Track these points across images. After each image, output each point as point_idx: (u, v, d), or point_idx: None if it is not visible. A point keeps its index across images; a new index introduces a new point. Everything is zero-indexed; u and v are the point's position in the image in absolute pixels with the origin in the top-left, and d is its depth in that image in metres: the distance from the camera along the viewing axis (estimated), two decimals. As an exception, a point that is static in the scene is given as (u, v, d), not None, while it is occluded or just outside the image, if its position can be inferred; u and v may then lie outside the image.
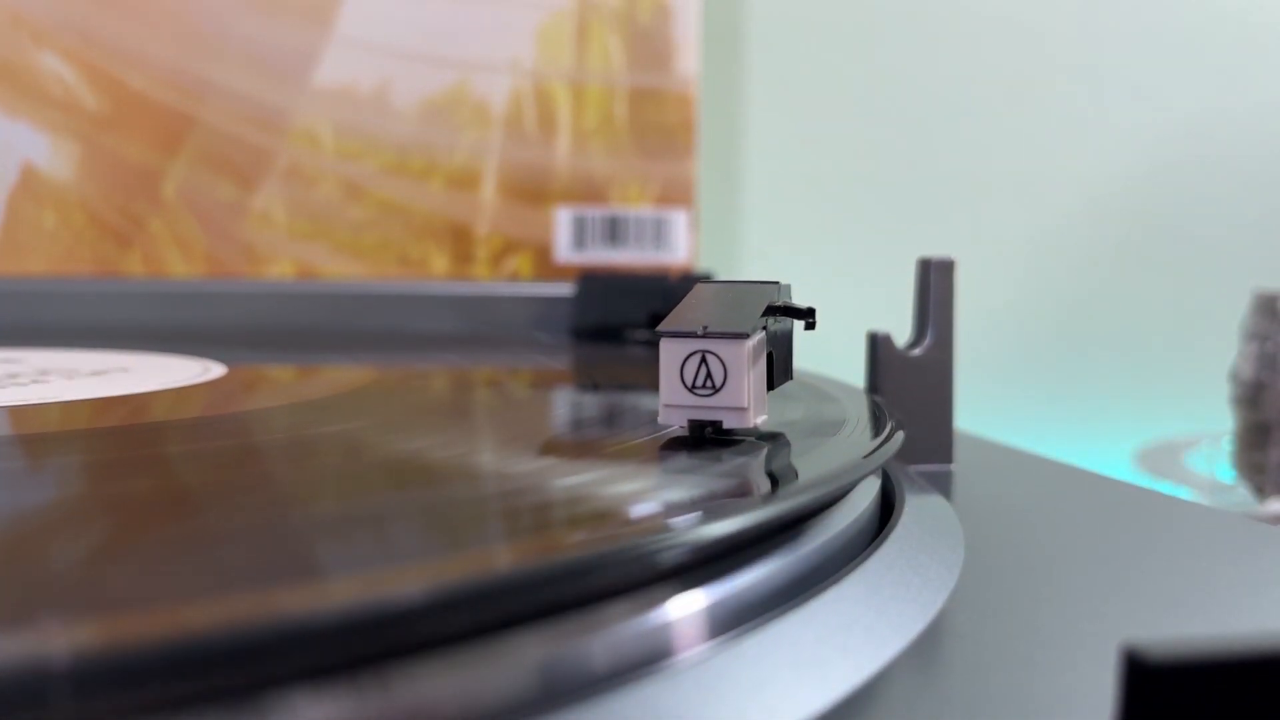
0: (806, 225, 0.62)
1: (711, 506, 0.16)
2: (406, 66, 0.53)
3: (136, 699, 0.09)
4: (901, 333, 0.28)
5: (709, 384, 0.19)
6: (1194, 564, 0.19)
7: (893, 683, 0.14)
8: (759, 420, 0.20)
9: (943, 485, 0.25)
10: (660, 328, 0.20)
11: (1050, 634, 0.15)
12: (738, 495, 0.17)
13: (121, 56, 0.51)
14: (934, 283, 0.27)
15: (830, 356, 0.34)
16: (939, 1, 0.63)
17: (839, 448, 0.20)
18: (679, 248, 0.55)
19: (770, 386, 0.21)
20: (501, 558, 0.13)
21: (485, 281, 0.53)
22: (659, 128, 0.54)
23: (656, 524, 0.15)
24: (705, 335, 0.19)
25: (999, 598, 0.17)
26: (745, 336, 0.19)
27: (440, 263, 0.53)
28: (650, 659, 0.13)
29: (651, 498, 0.17)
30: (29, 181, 0.51)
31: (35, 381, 0.29)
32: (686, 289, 0.21)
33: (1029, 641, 0.15)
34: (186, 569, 0.12)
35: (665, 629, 0.13)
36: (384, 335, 0.49)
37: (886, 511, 0.21)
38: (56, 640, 0.09)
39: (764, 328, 0.20)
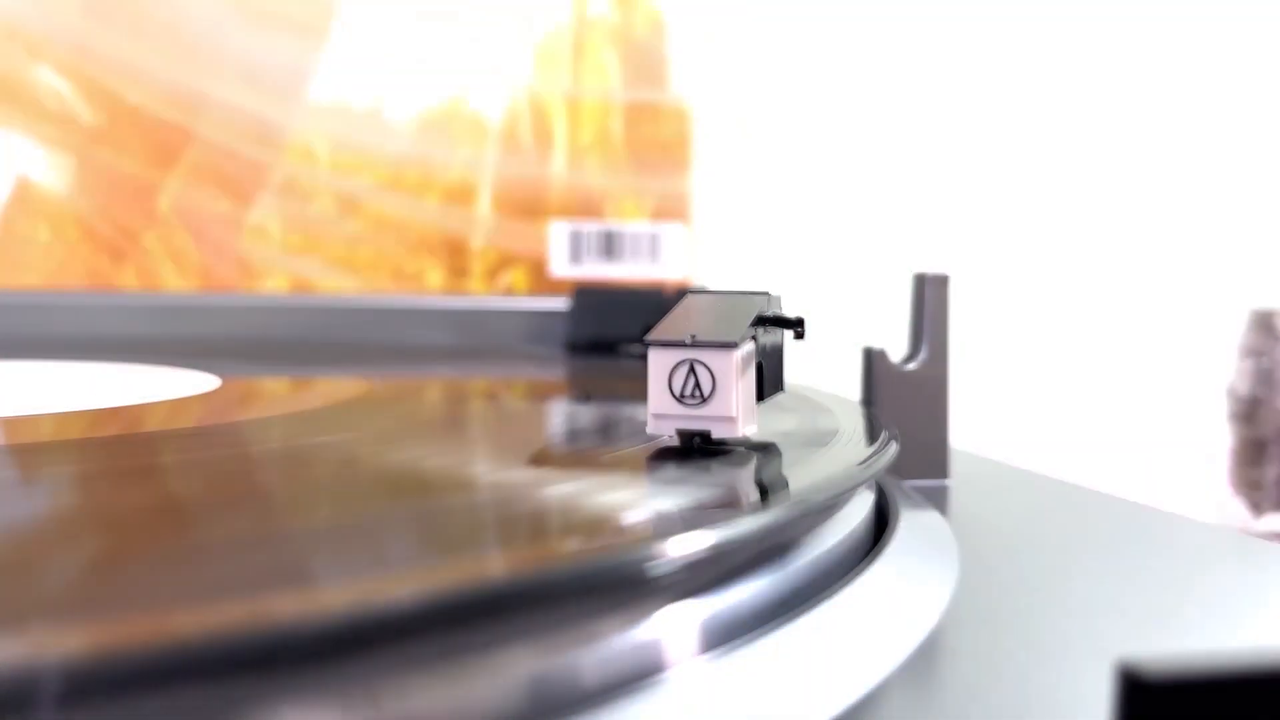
0: (802, 240, 0.62)
1: (701, 517, 0.15)
2: (402, 81, 0.53)
3: (125, 708, 0.09)
4: (897, 348, 0.28)
5: (697, 393, 0.19)
6: (1190, 580, 0.19)
7: (887, 699, 0.13)
8: (748, 430, 0.20)
9: (938, 500, 0.25)
10: (649, 337, 0.20)
11: (1045, 650, 0.15)
12: (726, 505, 0.16)
13: (117, 70, 0.51)
14: (929, 298, 0.27)
15: (825, 372, 0.34)
16: (935, 11, 0.63)
17: (832, 457, 0.20)
18: (675, 262, 0.54)
19: (760, 397, 0.21)
20: (492, 568, 0.13)
21: (480, 295, 0.53)
22: (655, 143, 0.54)
23: (645, 534, 0.15)
24: (693, 345, 0.19)
25: (994, 613, 0.17)
26: (734, 346, 0.19)
27: (435, 277, 0.53)
28: (641, 674, 0.13)
29: (641, 508, 0.16)
30: (23, 195, 0.50)
31: (30, 393, 0.28)
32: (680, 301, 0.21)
33: (1024, 657, 0.15)
34: (177, 578, 0.12)
35: (656, 643, 0.13)
36: (379, 349, 0.49)
37: (881, 526, 0.21)
38: (46, 648, 0.09)
39: (753, 338, 0.20)
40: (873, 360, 0.28)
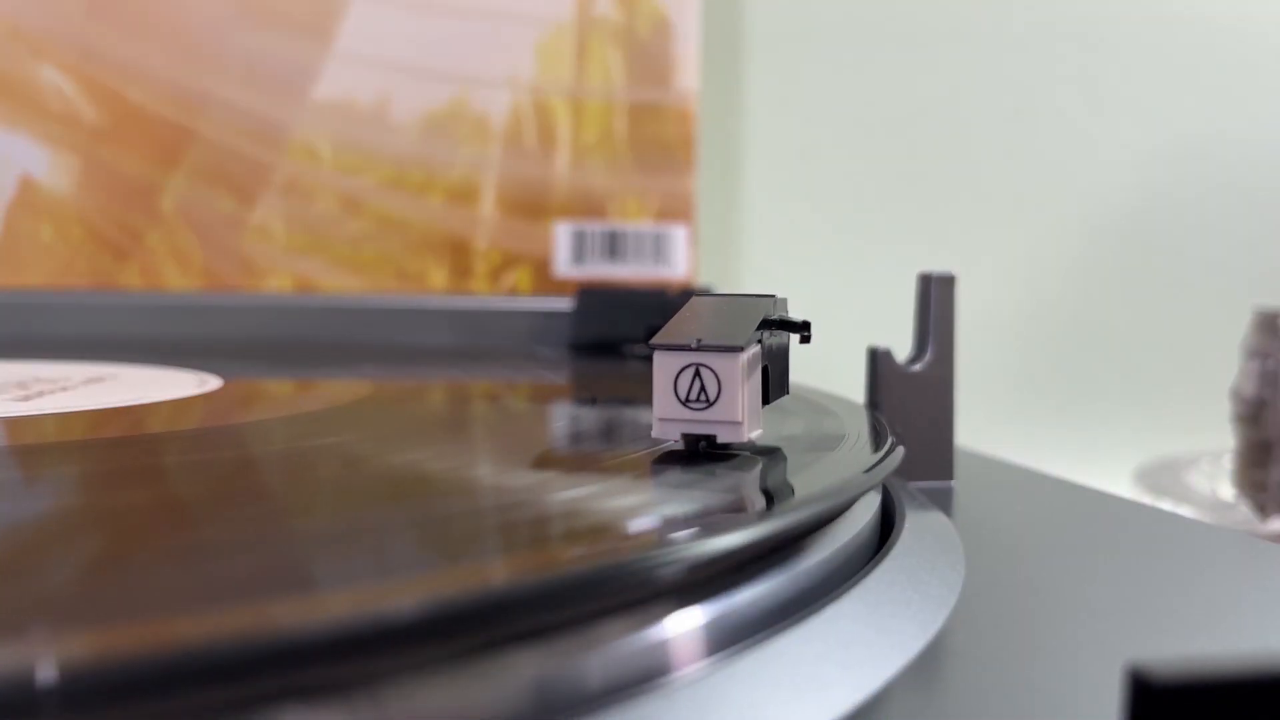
0: (806, 240, 0.62)
1: (709, 522, 0.15)
2: (406, 81, 0.53)
3: (126, 713, 0.09)
4: (902, 348, 0.28)
5: (703, 397, 0.19)
6: (1196, 582, 0.19)
7: (893, 702, 0.13)
8: (753, 435, 0.20)
9: (943, 502, 0.25)
10: (654, 340, 0.20)
11: (1052, 652, 0.15)
12: (733, 511, 0.16)
13: (120, 69, 0.51)
14: (935, 298, 0.27)
15: (830, 372, 0.34)
16: (939, 18, 0.63)
17: (838, 463, 0.20)
18: (678, 263, 0.54)
19: (765, 401, 0.21)
20: (496, 573, 0.13)
21: (484, 296, 0.53)
22: (658, 143, 0.54)
23: (650, 539, 0.15)
24: (699, 348, 0.19)
25: (1000, 616, 0.17)
26: (739, 350, 0.19)
27: (439, 277, 0.53)
28: (647, 677, 0.12)
29: (646, 513, 0.16)
30: (27, 194, 0.50)
31: (32, 393, 0.28)
32: (685, 303, 0.21)
33: (1030, 660, 0.15)
34: (179, 581, 0.12)
35: (662, 646, 0.13)
36: (382, 349, 0.49)
37: (886, 528, 0.21)
38: (46, 652, 0.09)
39: (759, 341, 0.20)
40: (878, 360, 0.27)
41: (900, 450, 0.21)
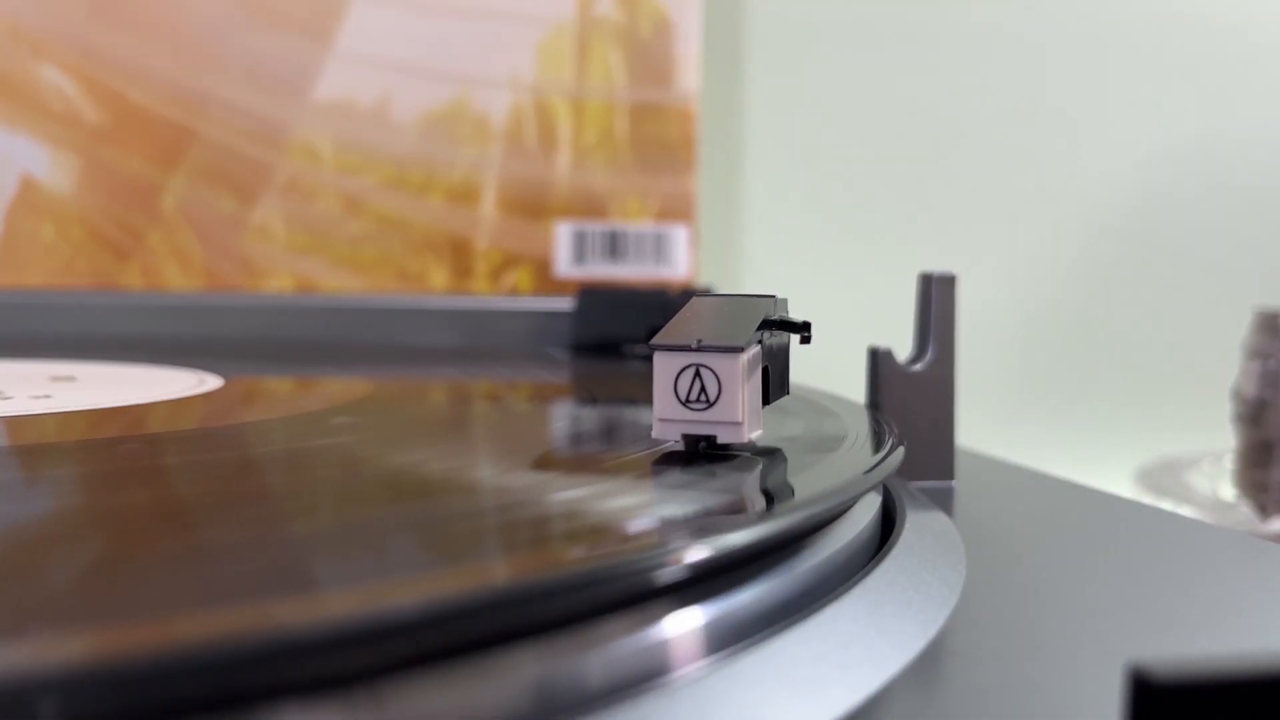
0: (807, 240, 0.62)
1: (709, 523, 0.15)
2: (406, 81, 0.53)
3: (126, 713, 0.09)
4: (903, 348, 0.28)
5: (703, 398, 0.19)
6: (1197, 582, 0.19)
7: (893, 702, 0.13)
8: (754, 435, 0.20)
9: (944, 502, 0.25)
10: (654, 341, 0.20)
11: (1052, 652, 0.15)
12: (733, 511, 0.16)
13: (122, 69, 0.51)
14: (935, 298, 0.27)
15: (831, 372, 0.34)
16: (940, 19, 0.63)
17: (839, 464, 0.20)
18: (679, 263, 0.54)
19: (766, 401, 0.21)
20: (496, 573, 0.13)
21: (484, 296, 0.53)
22: (659, 143, 0.54)
23: (650, 540, 0.15)
24: (699, 349, 0.19)
25: (1001, 616, 0.17)
26: (739, 350, 0.19)
27: (439, 277, 0.53)
28: (647, 676, 0.12)
29: (646, 513, 0.16)
30: (28, 194, 0.50)
31: (32, 393, 0.28)
32: (685, 304, 0.21)
33: (1031, 660, 0.15)
34: (180, 581, 0.12)
35: (662, 646, 0.13)
36: (382, 349, 0.49)
37: (887, 528, 0.20)
38: (47, 653, 0.09)
39: (759, 342, 0.20)
40: (879, 360, 0.27)
41: (901, 451, 0.21)
